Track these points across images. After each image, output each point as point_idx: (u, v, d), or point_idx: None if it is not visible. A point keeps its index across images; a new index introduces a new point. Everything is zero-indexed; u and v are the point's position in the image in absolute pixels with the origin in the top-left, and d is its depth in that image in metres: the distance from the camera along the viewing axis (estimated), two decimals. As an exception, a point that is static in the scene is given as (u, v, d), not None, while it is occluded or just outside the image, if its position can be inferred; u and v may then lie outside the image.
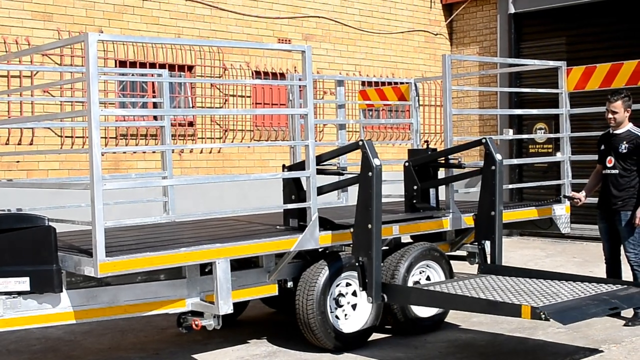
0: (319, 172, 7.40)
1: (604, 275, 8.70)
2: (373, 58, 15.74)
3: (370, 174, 6.81)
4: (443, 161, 8.50)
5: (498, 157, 7.73)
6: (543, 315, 5.95)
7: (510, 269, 7.81)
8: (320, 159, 7.37)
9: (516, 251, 13.40)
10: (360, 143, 6.97)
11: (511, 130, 15.76)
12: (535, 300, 6.40)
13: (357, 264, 6.99)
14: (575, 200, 9.03)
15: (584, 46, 15.05)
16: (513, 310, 6.28)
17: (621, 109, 8.34)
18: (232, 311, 6.65)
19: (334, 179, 7.90)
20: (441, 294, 7.07)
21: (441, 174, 8.71)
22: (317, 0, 14.82)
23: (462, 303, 6.88)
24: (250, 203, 12.32)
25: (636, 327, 8.06)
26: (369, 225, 6.81)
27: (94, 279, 6.26)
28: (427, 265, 8.09)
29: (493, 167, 7.74)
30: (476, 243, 8.04)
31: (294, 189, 7.42)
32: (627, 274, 8.51)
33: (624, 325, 8.17)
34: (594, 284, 7.07)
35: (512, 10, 16.14)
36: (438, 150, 8.91)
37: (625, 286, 7.10)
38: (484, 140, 7.86)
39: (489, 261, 7.83)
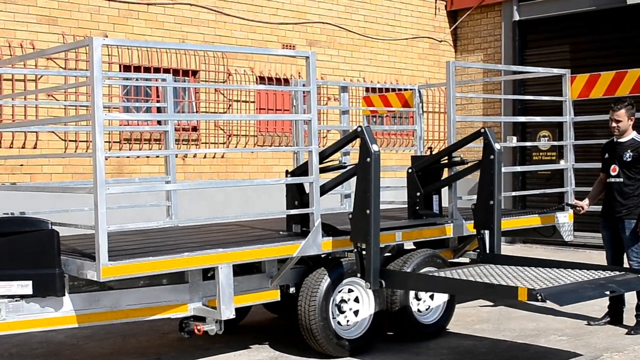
0: (322, 170, 7.42)
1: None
2: (377, 64, 15.76)
3: (368, 159, 6.85)
4: (445, 161, 8.50)
5: (497, 146, 7.75)
6: (539, 297, 5.94)
7: (509, 258, 7.81)
8: (323, 155, 7.37)
9: (519, 258, 13.37)
10: (359, 129, 7.00)
11: (515, 138, 15.76)
12: (532, 284, 6.37)
13: (355, 249, 7.01)
14: (577, 208, 9.03)
15: (588, 54, 15.05)
16: (510, 292, 6.27)
17: (625, 117, 8.34)
18: (234, 316, 6.66)
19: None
20: (439, 278, 7.11)
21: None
22: (321, 6, 14.84)
23: (459, 287, 6.90)
24: (253, 208, 12.31)
25: (638, 336, 8.04)
26: (367, 211, 6.84)
27: (96, 283, 6.25)
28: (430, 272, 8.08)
29: (492, 157, 7.76)
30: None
31: (297, 195, 7.42)
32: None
33: (626, 333, 8.16)
34: (592, 271, 7.06)
35: (516, 17, 16.15)
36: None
37: (623, 272, 7.12)
38: (482, 131, 7.89)
39: (487, 251, 7.84)
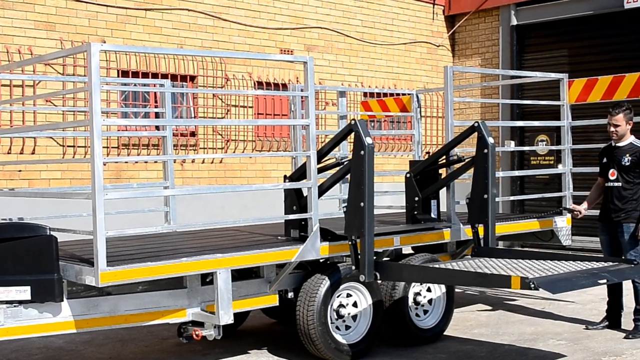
0: (320, 169, 7.43)
1: (604, 288, 8.69)
2: (375, 69, 15.77)
3: (362, 152, 6.88)
4: (443, 160, 8.51)
5: (490, 140, 7.79)
6: (532, 285, 5.96)
7: (503, 251, 7.84)
8: (320, 153, 7.38)
9: (517, 263, 13.36)
10: (352, 123, 7.02)
11: (513, 142, 15.77)
12: (526, 274, 6.37)
13: (349, 242, 7.03)
14: (575, 212, 9.04)
15: (585, 58, 15.07)
16: (503, 281, 6.30)
17: (623, 122, 8.35)
18: (232, 321, 6.66)
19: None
20: (432, 269, 7.17)
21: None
22: (319, 11, 14.86)
23: (452, 276, 6.96)
24: (251, 213, 12.32)
25: (636, 340, 8.05)
26: (362, 204, 6.86)
27: (95, 288, 6.27)
28: (428, 277, 8.08)
29: (485, 151, 7.78)
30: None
31: (295, 200, 7.43)
32: (627, 285, 8.51)
33: (625, 337, 8.16)
34: (585, 262, 7.09)
35: (514, 22, 16.17)
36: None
37: (616, 263, 7.15)
38: (476, 124, 7.93)
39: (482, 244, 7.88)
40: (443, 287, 8.17)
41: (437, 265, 7.21)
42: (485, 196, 7.79)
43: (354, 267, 7.13)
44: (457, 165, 8.39)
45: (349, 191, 7.06)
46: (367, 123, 13.38)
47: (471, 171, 8.13)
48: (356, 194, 6.93)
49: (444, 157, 8.49)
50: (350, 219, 7.02)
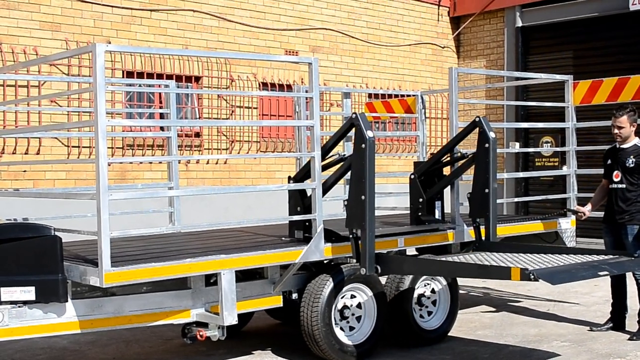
0: (323, 167, 7.44)
1: (609, 290, 8.69)
2: (380, 70, 15.78)
3: (363, 145, 6.91)
4: (447, 158, 8.52)
5: (491, 135, 7.80)
6: (532, 276, 5.97)
7: (504, 245, 7.84)
8: (324, 149, 7.39)
9: (522, 264, 13.34)
10: (354, 116, 7.04)
11: (517, 144, 15.77)
12: (526, 266, 6.37)
13: (350, 236, 7.06)
14: (579, 214, 9.04)
15: (590, 60, 15.07)
16: (503, 272, 6.31)
17: (627, 123, 8.34)
18: (236, 322, 6.66)
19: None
20: (433, 261, 7.23)
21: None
22: (324, 12, 14.87)
23: (453, 269, 7.01)
24: (255, 214, 12.33)
25: (641, 342, 8.06)
26: (362, 197, 6.88)
27: (99, 288, 6.27)
28: (432, 278, 8.08)
29: (486, 145, 7.81)
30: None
31: (299, 201, 7.43)
32: (631, 287, 8.50)
33: (629, 339, 8.14)
34: (586, 255, 7.10)
35: (519, 23, 16.17)
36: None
37: (617, 256, 7.16)
38: (477, 120, 7.94)
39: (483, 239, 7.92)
40: (447, 288, 8.17)
41: (438, 259, 7.24)
42: (487, 191, 7.82)
43: (354, 261, 7.15)
44: (460, 163, 8.39)
45: (350, 185, 7.10)
46: (373, 123, 13.40)
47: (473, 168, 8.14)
48: (357, 188, 6.95)
49: (448, 155, 8.50)
50: (352, 212, 7.05)
